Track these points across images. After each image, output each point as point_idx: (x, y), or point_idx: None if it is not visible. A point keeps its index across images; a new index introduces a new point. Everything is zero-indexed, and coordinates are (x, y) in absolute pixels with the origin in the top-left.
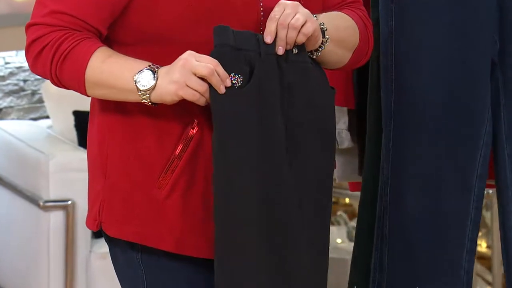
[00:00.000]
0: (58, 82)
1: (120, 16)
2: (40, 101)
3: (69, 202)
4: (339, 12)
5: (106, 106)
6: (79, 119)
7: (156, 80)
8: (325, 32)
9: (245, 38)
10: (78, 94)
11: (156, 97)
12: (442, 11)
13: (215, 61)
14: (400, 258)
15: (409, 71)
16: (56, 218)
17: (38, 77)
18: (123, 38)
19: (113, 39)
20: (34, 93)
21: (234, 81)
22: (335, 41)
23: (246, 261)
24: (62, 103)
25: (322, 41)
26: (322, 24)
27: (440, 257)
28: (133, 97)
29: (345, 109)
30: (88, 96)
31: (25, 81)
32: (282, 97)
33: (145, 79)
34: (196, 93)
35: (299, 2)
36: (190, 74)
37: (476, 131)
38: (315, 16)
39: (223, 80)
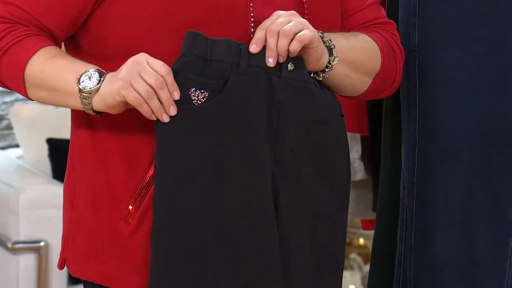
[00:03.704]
0: None
1: (91, 26)
2: (9, 127)
3: (42, 244)
4: (358, 32)
5: (77, 127)
6: (54, 147)
7: (102, 83)
8: (333, 50)
9: (223, 47)
10: (53, 119)
11: (99, 101)
12: (475, 24)
13: (166, 68)
14: None
15: (436, 94)
16: (27, 261)
17: (7, 100)
18: (98, 51)
19: (88, 52)
20: (1, 118)
21: (193, 97)
22: (348, 62)
23: None
24: (34, 130)
25: (329, 59)
26: (329, 41)
27: None
28: (73, 102)
29: (358, 135)
30: (29, 98)
31: None
32: (270, 116)
33: (89, 80)
34: (139, 97)
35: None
36: (138, 75)
37: None
38: (321, 33)
39: (170, 91)
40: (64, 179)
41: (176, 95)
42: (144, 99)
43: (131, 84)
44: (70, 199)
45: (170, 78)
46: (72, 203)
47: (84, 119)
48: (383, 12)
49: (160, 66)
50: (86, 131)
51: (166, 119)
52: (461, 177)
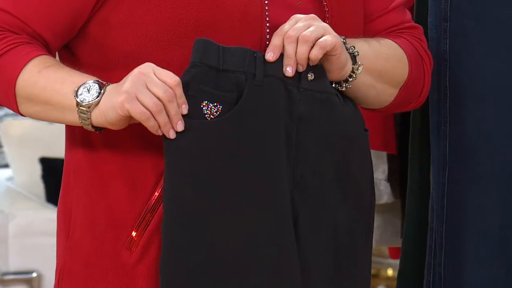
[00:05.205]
0: None
1: (89, 33)
2: None
3: (34, 275)
4: (382, 38)
5: (72, 144)
6: (48, 168)
7: (102, 96)
8: (357, 57)
9: (236, 56)
10: (47, 136)
11: (98, 115)
12: None
13: (175, 79)
14: None
15: (470, 107)
16: None
17: None
18: (97, 61)
19: (85, 62)
20: None
21: (206, 111)
22: (372, 71)
23: None
24: (26, 148)
25: (353, 68)
26: (352, 47)
27: None
28: (71, 117)
29: (384, 154)
30: (21, 114)
31: None
32: (289, 131)
33: (88, 93)
34: (146, 111)
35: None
36: (144, 86)
37: None
38: (343, 39)
39: (178, 105)
40: (58, 203)
41: (185, 109)
42: (152, 113)
43: (137, 97)
44: (65, 225)
45: (179, 90)
46: (68, 230)
47: (80, 136)
48: (408, 16)
49: (169, 77)
50: (82, 150)
51: (172, 135)
52: (497, 201)
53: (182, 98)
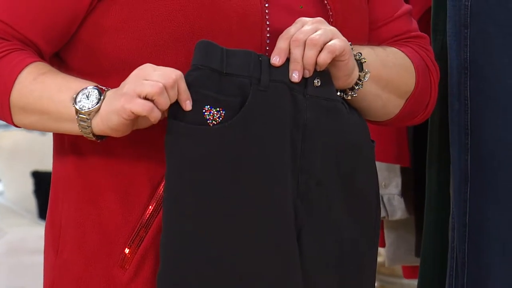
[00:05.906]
0: None
1: (80, 37)
2: None
3: None
4: (389, 46)
5: (61, 153)
6: (40, 182)
7: (102, 101)
8: (363, 64)
9: (240, 59)
10: (39, 148)
11: (99, 123)
12: None
13: (178, 73)
14: None
15: (492, 118)
16: None
17: None
18: (89, 67)
19: (76, 69)
20: None
21: (208, 117)
22: (379, 79)
23: None
24: (17, 161)
25: (359, 76)
26: (358, 54)
27: None
28: (69, 126)
29: (397, 167)
30: (15, 126)
31: None
32: (294, 139)
33: (87, 99)
34: (147, 103)
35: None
36: (143, 80)
37: None
38: (350, 45)
39: (181, 100)
40: (46, 217)
41: (189, 105)
42: (153, 97)
43: (135, 92)
44: (54, 241)
45: (183, 84)
46: (56, 247)
47: (69, 144)
48: (414, 24)
49: (171, 70)
50: (72, 159)
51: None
52: None
53: (186, 93)
